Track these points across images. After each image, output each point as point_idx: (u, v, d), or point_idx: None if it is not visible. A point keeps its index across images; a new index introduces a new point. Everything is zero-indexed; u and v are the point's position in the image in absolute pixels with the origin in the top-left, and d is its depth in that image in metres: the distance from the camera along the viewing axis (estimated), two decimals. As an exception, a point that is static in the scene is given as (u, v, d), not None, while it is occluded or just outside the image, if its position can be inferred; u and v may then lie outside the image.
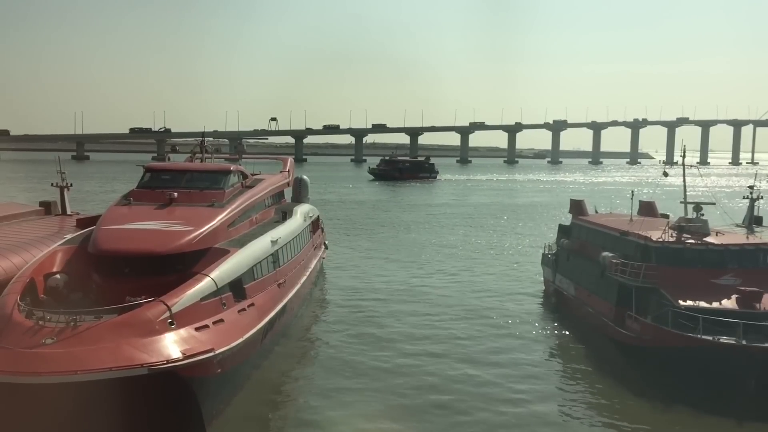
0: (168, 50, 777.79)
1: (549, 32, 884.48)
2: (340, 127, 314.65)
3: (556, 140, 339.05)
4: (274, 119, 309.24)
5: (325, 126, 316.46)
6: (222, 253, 27.17)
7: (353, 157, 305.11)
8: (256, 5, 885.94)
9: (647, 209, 41.38)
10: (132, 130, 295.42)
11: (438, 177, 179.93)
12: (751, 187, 44.23)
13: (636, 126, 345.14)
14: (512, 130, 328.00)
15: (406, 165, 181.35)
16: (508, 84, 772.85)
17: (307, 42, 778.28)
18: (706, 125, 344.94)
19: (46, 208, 43.82)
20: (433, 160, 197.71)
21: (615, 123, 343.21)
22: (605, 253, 34.59)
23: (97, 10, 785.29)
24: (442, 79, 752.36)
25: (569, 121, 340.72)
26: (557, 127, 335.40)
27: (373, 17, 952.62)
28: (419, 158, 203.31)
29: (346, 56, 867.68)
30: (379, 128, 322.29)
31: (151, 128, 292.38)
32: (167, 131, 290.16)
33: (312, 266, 41.70)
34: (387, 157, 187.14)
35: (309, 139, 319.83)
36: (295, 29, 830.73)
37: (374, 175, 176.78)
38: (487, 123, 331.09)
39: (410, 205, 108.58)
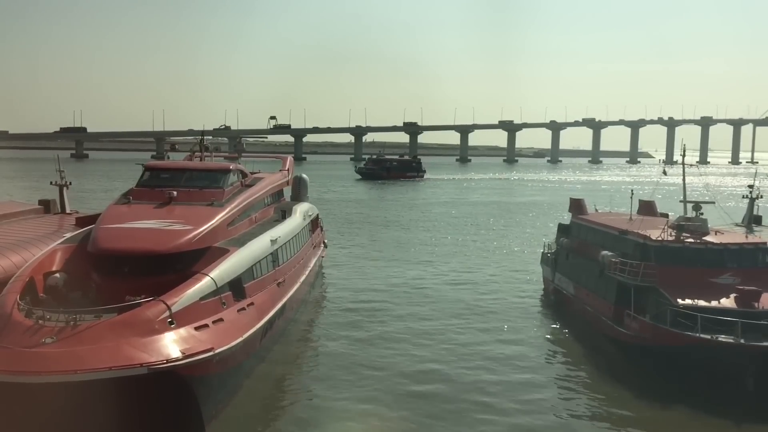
0: (167, 49, 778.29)
1: (549, 31, 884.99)
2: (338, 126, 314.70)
3: (555, 139, 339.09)
4: (273, 118, 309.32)
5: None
6: (221, 253, 27.17)
7: (353, 156, 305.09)
8: (255, 3, 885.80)
9: (647, 208, 41.42)
10: (63, 129, 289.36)
11: (425, 176, 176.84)
12: (750, 186, 44.24)
13: (636, 125, 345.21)
14: (511, 129, 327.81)
15: (393, 164, 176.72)
16: (508, 83, 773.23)
17: (307, 41, 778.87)
18: (705, 124, 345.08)
19: (46, 206, 43.79)
20: (433, 159, 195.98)
21: (614, 122, 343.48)
22: (604, 252, 34.60)
23: (96, 9, 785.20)
24: (442, 78, 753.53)
25: (569, 120, 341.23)
26: (556, 126, 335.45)
27: (373, 16, 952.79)
28: (406, 157, 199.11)
29: (345, 55, 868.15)
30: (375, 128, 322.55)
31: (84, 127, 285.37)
32: (227, 128, 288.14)
33: (311, 265, 41.69)
34: (374, 156, 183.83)
35: (308, 138, 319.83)
36: (295, 28, 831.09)
37: (361, 174, 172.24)
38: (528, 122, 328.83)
39: (402, 203, 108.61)
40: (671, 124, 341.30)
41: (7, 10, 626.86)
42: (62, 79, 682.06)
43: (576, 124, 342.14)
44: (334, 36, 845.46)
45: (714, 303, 28.73)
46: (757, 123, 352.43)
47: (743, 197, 45.74)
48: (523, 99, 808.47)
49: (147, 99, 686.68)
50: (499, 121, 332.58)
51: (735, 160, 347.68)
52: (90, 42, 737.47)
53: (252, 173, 40.79)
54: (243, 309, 25.68)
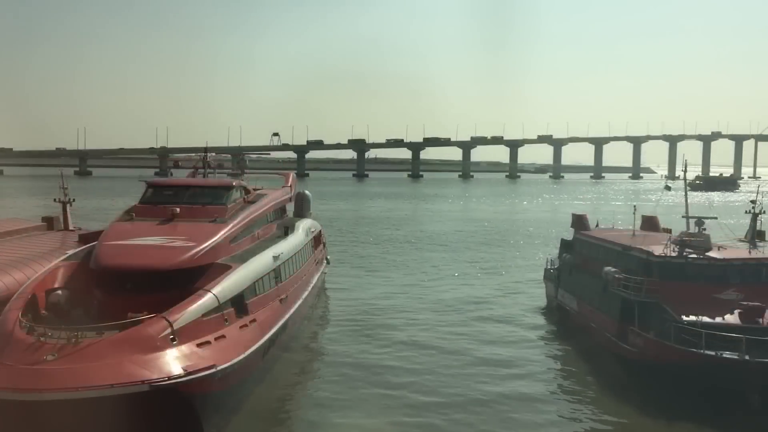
0: (170, 66, 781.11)
1: (550, 48, 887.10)
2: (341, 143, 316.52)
3: (557, 155, 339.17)
4: (276, 134, 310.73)
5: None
6: (224, 269, 27.15)
7: (355, 172, 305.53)
8: (259, 23, 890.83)
9: (649, 224, 41.40)
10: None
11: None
12: (753, 201, 44.11)
13: (638, 140, 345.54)
14: (513, 145, 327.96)
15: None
16: (510, 100, 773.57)
17: (310, 59, 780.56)
18: (707, 140, 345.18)
19: (49, 223, 43.93)
20: (436, 175, 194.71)
21: (617, 138, 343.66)
22: (608, 268, 34.53)
23: (100, 28, 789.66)
24: (445, 96, 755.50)
25: (571, 136, 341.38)
26: (558, 142, 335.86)
27: (376, 35, 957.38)
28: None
29: (348, 73, 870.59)
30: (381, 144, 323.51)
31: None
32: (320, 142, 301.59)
33: (314, 281, 41.65)
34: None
35: (311, 155, 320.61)
36: (297, 47, 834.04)
37: None
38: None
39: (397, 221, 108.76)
40: (673, 140, 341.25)
41: (11, 27, 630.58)
42: (66, 96, 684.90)
43: (578, 139, 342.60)
44: (338, 55, 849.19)
45: (718, 319, 28.64)
46: (759, 138, 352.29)
47: (746, 212, 45.59)
48: (525, 116, 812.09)
49: (151, 115, 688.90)
50: (493, 137, 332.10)
51: (737, 176, 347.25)
52: (94, 60, 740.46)
53: (254, 189, 40.84)
54: (245, 326, 25.64)
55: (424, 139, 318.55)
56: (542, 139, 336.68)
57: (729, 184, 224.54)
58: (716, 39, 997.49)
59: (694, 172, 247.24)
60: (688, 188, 40.21)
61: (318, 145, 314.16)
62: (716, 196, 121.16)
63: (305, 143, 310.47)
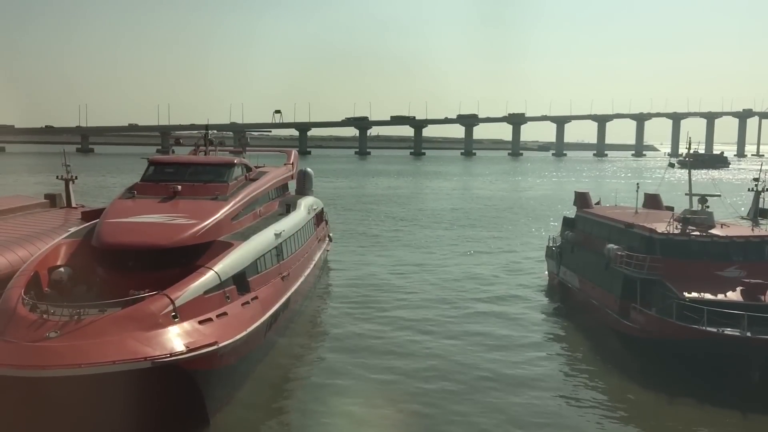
0: (172, 44, 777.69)
1: (553, 26, 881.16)
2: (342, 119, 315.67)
3: (560, 132, 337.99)
4: (278, 112, 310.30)
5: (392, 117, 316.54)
6: (226, 246, 27.15)
7: (357, 150, 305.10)
8: (263, 2, 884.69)
9: (652, 201, 41.27)
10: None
11: None
12: (756, 179, 43.95)
13: (641, 118, 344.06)
14: (516, 122, 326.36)
15: None
16: (513, 78, 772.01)
17: (312, 36, 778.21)
18: (711, 117, 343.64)
19: (51, 200, 43.93)
20: (438, 153, 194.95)
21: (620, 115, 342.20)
22: (610, 246, 34.52)
23: (104, 5, 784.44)
24: (447, 74, 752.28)
25: (573, 114, 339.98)
26: (561, 120, 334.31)
27: (379, 14, 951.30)
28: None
29: (350, 51, 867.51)
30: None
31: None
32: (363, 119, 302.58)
33: (316, 259, 41.69)
34: None
35: (313, 132, 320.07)
36: (299, 24, 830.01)
37: None
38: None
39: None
40: (676, 117, 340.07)
41: (15, 6, 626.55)
42: (67, 73, 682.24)
43: (581, 117, 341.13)
44: (340, 33, 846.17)
45: (720, 296, 28.65)
46: (763, 116, 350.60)
47: (749, 190, 45.44)
48: (528, 93, 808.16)
49: (152, 93, 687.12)
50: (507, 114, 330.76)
51: (741, 153, 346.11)
52: (97, 37, 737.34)
53: (256, 167, 40.74)
54: (247, 303, 25.68)
55: (419, 119, 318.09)
56: (548, 117, 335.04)
57: (719, 161, 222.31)
58: (721, 16, 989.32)
59: (698, 149, 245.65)
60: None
61: (306, 123, 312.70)
62: (704, 174, 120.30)
63: (307, 121, 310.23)
